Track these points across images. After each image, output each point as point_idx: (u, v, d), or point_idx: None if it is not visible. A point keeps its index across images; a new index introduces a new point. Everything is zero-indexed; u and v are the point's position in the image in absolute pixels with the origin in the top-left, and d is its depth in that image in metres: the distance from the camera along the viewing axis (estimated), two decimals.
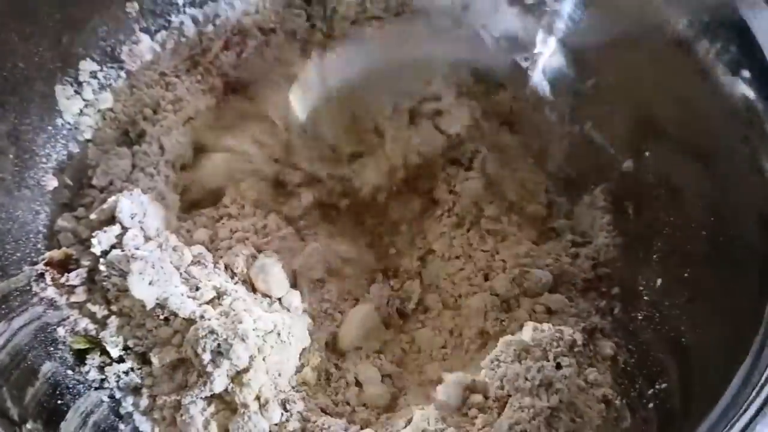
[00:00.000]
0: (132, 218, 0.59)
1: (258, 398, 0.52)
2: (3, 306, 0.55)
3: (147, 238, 0.59)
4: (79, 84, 0.67)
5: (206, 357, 0.52)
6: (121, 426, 0.55)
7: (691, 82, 0.58)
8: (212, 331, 0.52)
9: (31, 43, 0.63)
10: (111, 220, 0.59)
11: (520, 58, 0.73)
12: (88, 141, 0.67)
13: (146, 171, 0.67)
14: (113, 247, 0.57)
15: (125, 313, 0.57)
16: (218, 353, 0.52)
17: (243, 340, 0.52)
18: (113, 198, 0.60)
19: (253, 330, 0.53)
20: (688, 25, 0.58)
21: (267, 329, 0.54)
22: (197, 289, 0.56)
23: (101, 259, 0.57)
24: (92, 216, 0.61)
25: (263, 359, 0.53)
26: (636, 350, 0.58)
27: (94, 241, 0.57)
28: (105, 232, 0.58)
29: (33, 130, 0.63)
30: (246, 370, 0.52)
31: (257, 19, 0.76)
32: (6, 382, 0.52)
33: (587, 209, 0.68)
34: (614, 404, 0.54)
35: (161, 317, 0.56)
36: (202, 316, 0.53)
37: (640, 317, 0.59)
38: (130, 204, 0.59)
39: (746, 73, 0.54)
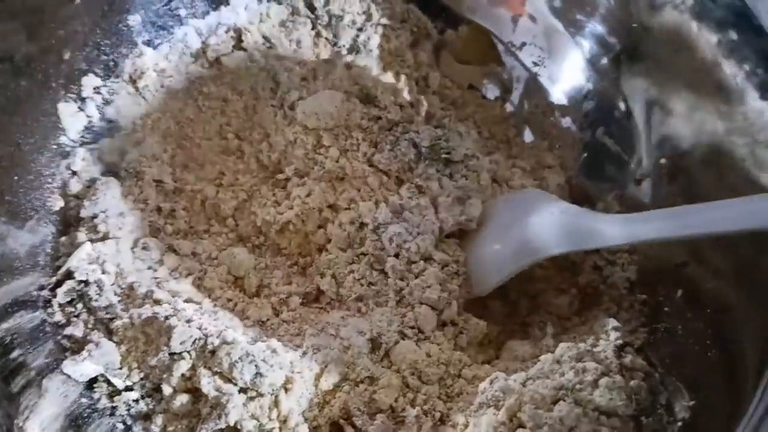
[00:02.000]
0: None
1: (285, 421, 0.52)
2: (20, 335, 0.54)
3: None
4: (83, 100, 0.66)
5: (245, 379, 0.51)
6: None
7: None
8: (248, 354, 0.51)
9: (34, 60, 0.61)
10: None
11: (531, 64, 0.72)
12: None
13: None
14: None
15: (129, 345, 0.56)
16: (258, 374, 0.51)
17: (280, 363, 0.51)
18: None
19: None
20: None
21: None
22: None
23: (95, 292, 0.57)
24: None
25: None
26: (661, 365, 0.57)
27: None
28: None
29: (37, 149, 0.62)
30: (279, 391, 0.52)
31: (261, 27, 0.75)
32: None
33: None
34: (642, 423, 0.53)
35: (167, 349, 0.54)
36: (226, 342, 0.52)
37: (662, 330, 0.59)
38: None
39: None
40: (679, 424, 0.52)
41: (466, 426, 0.52)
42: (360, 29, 0.76)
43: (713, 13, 0.57)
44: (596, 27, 0.68)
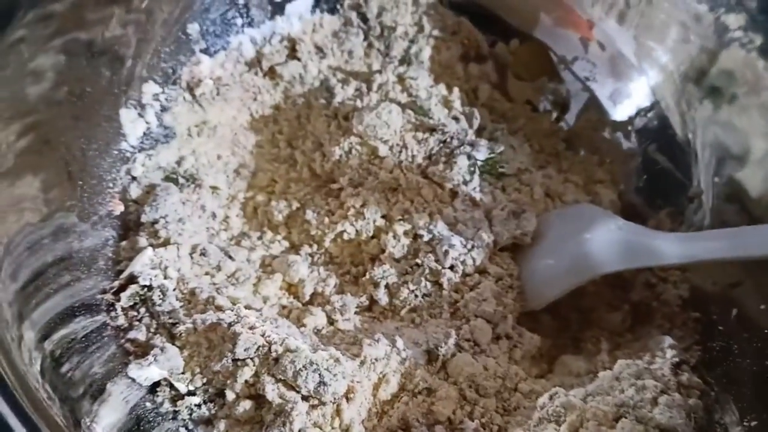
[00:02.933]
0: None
1: (347, 430, 0.52)
2: (83, 338, 0.55)
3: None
4: (143, 106, 0.67)
5: (309, 387, 0.52)
6: None
7: None
8: (312, 362, 0.52)
9: (99, 64, 0.62)
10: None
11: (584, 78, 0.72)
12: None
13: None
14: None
15: (192, 350, 0.57)
16: (321, 383, 0.52)
17: (343, 372, 0.52)
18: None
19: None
20: None
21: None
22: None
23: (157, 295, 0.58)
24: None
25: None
26: (717, 384, 0.57)
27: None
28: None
29: (99, 155, 0.63)
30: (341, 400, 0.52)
31: (314, 37, 0.76)
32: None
33: None
34: None
35: (231, 355, 0.55)
36: (289, 350, 0.53)
37: (717, 348, 0.59)
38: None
39: None
40: None
41: None
42: (412, 41, 0.77)
43: None
44: (663, 56, 0.68)
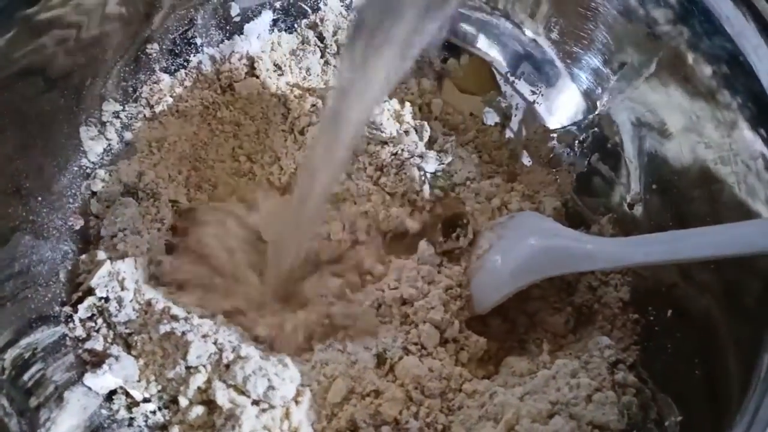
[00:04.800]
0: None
1: None
2: (42, 349, 0.57)
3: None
4: (103, 124, 0.69)
5: (258, 391, 0.54)
6: None
7: None
8: (261, 368, 0.54)
9: (55, 87, 0.64)
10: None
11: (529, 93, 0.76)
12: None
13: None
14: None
15: (147, 359, 0.59)
16: (270, 387, 0.54)
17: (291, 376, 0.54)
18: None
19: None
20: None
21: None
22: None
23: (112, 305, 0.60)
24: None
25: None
26: (652, 382, 0.60)
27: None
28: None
29: (60, 171, 0.65)
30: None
31: (272, 55, 0.79)
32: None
33: None
34: None
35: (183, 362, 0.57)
36: (240, 356, 0.55)
37: (653, 348, 0.62)
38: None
39: None
40: None
41: None
42: None
43: (708, 48, 0.60)
44: (592, 59, 0.71)
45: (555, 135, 0.75)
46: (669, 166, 0.65)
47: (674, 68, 0.63)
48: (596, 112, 0.72)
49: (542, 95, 0.77)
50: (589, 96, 0.73)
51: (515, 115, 0.78)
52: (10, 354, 0.56)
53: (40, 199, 0.62)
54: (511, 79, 0.78)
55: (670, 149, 0.65)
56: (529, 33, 0.75)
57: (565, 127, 0.75)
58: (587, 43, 0.71)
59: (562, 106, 0.75)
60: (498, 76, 0.78)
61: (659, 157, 0.66)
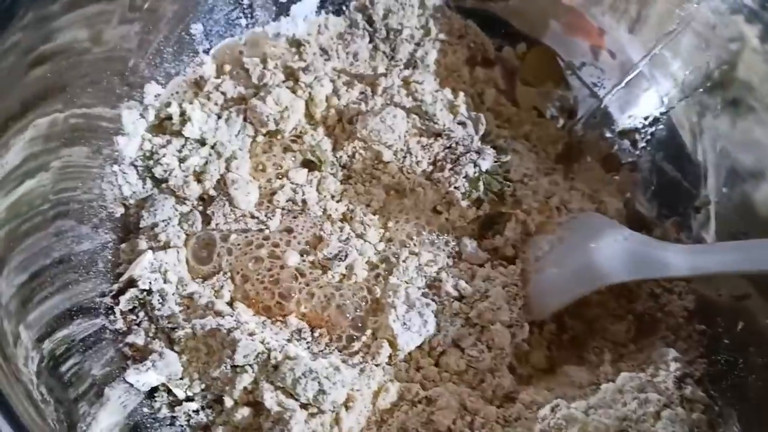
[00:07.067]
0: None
1: None
2: (81, 341, 0.55)
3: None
4: (145, 107, 0.67)
5: (308, 395, 0.51)
6: None
7: None
8: (311, 370, 0.52)
9: (99, 68, 0.62)
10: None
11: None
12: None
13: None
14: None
15: (190, 356, 0.56)
16: (320, 391, 0.52)
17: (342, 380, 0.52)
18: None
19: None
20: None
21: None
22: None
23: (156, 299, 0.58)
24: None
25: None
26: (721, 398, 0.56)
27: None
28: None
29: (102, 156, 0.63)
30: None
31: (319, 38, 0.75)
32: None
33: None
34: None
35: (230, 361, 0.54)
36: (288, 357, 0.53)
37: (722, 362, 0.58)
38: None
39: None
40: None
41: None
42: (418, 44, 0.76)
43: None
44: (675, 65, 0.67)
45: (618, 131, 0.71)
46: (742, 172, 0.61)
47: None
48: (665, 110, 0.68)
49: (604, 88, 0.72)
50: (657, 92, 0.68)
51: (579, 109, 0.73)
52: (49, 343, 0.53)
53: (80, 183, 0.60)
54: (576, 71, 0.73)
55: (746, 158, 0.61)
56: None
57: (630, 123, 0.71)
58: (674, 48, 0.66)
59: (628, 101, 0.71)
60: (565, 68, 0.74)
61: (732, 158, 0.62)
